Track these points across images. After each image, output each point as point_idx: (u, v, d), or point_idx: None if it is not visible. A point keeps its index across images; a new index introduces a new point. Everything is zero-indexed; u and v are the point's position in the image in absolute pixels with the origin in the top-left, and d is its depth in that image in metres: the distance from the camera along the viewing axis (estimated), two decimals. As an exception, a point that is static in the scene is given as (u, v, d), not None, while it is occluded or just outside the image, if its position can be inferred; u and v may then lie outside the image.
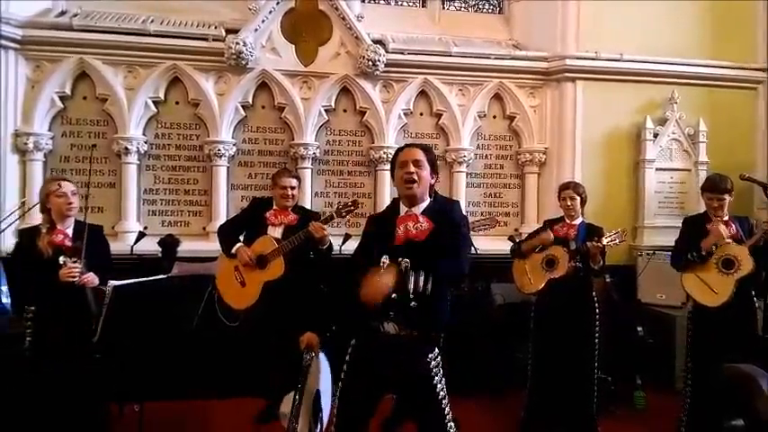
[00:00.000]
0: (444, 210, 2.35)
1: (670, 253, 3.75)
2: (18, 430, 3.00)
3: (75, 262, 2.86)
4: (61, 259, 2.86)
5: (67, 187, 2.98)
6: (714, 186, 3.52)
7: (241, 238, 3.78)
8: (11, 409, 3.10)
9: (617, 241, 3.55)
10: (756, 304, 3.47)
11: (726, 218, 3.51)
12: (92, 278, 2.86)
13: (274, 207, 3.73)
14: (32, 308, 2.90)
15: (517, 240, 4.08)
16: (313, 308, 2.52)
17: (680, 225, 3.75)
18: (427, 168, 2.30)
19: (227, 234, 3.73)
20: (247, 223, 3.77)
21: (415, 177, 2.25)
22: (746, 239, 3.38)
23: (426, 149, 2.36)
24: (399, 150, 2.39)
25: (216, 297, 3.68)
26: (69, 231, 2.97)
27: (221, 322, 3.74)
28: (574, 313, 3.57)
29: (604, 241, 3.49)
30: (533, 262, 3.73)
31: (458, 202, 2.49)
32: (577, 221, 3.71)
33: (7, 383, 3.20)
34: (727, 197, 3.47)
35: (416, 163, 2.27)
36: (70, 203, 2.96)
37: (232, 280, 3.64)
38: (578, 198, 3.71)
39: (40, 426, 2.84)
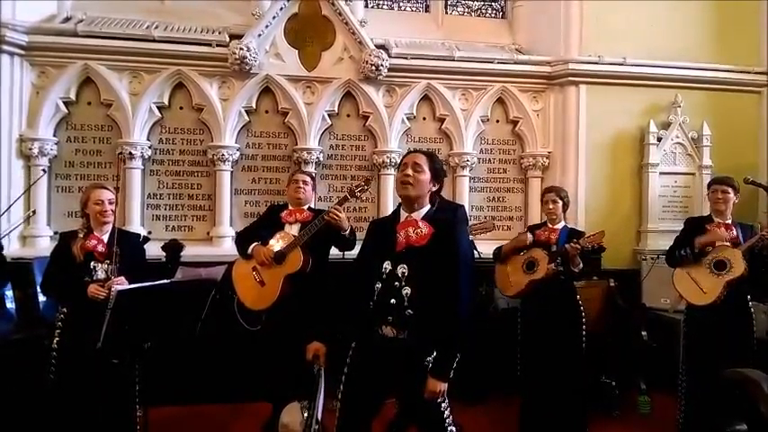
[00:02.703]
0: (446, 215, 2.36)
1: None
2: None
3: (108, 266, 2.92)
4: (92, 264, 2.93)
5: (105, 195, 3.01)
6: (719, 179, 3.63)
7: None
8: (30, 410, 3.16)
9: (595, 243, 3.46)
10: (752, 309, 3.46)
11: (729, 221, 3.51)
12: (121, 281, 2.89)
13: (289, 207, 3.72)
14: (64, 309, 2.94)
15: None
16: (322, 312, 2.47)
17: (684, 229, 3.74)
18: (427, 174, 2.31)
19: (244, 238, 3.67)
20: (264, 227, 3.71)
21: (411, 180, 2.27)
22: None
23: (431, 156, 2.38)
24: (405, 155, 2.43)
25: (235, 302, 3.61)
26: (105, 238, 2.99)
27: (235, 325, 3.66)
28: (559, 318, 3.55)
29: (581, 242, 3.44)
30: (515, 264, 3.72)
31: (462, 206, 2.49)
32: (559, 226, 3.71)
33: (25, 385, 3.26)
34: (731, 191, 3.50)
35: (415, 166, 2.29)
36: (105, 211, 2.99)
37: (251, 282, 3.53)
38: (560, 201, 3.71)
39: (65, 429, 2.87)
